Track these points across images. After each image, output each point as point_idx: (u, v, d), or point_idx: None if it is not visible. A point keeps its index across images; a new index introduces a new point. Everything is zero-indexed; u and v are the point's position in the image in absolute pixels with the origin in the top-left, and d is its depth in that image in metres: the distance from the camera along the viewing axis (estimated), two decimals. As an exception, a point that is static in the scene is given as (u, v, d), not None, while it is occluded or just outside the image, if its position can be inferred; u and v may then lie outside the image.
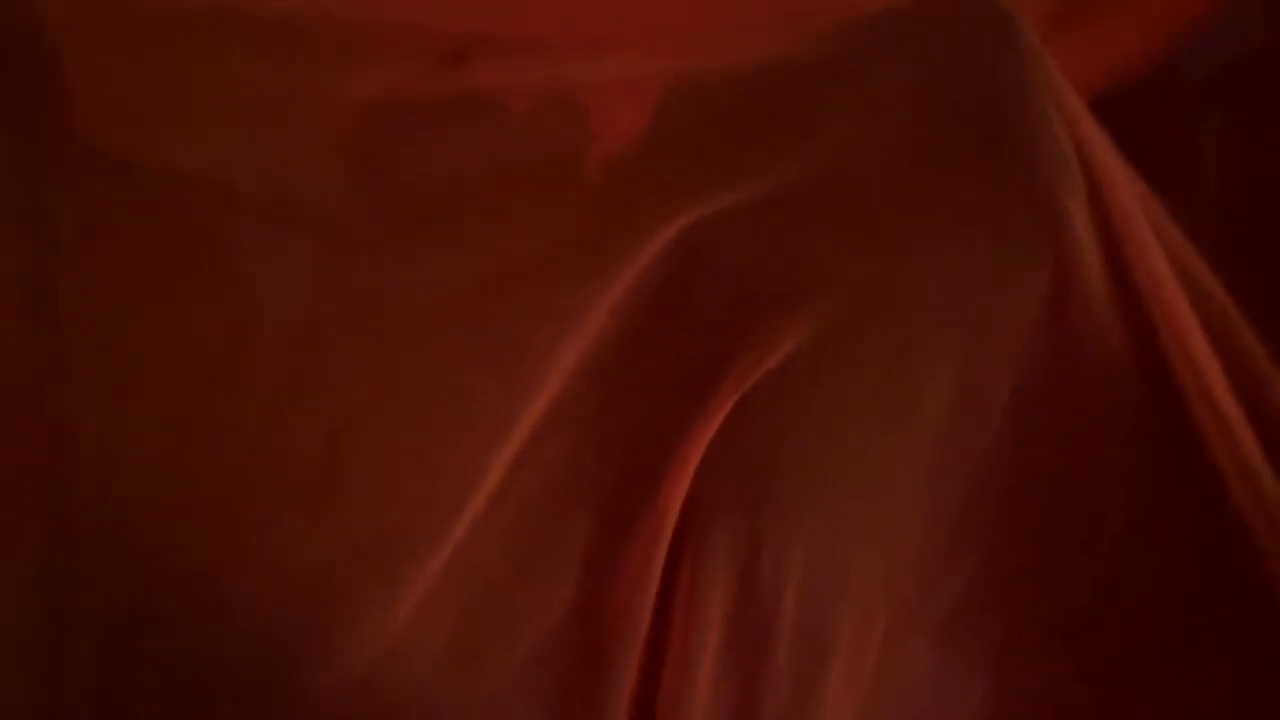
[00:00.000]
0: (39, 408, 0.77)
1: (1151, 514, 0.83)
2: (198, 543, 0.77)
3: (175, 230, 0.79)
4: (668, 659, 0.80)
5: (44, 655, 0.77)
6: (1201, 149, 0.97)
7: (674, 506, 0.79)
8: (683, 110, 0.81)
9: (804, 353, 0.79)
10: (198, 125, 0.80)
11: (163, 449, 0.77)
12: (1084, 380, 0.83)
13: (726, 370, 0.79)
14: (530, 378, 0.79)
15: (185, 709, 0.77)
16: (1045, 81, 0.81)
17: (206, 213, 0.79)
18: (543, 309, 0.79)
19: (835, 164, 0.81)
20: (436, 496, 0.78)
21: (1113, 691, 0.84)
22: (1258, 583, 0.82)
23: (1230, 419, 0.81)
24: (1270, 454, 0.82)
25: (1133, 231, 0.82)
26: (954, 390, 0.81)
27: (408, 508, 0.78)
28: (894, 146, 0.81)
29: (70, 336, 0.77)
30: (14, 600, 0.77)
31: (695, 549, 0.80)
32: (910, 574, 0.82)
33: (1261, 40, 0.98)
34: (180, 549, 0.77)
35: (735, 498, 0.80)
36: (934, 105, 0.82)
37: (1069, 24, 0.91)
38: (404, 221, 0.80)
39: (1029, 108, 0.81)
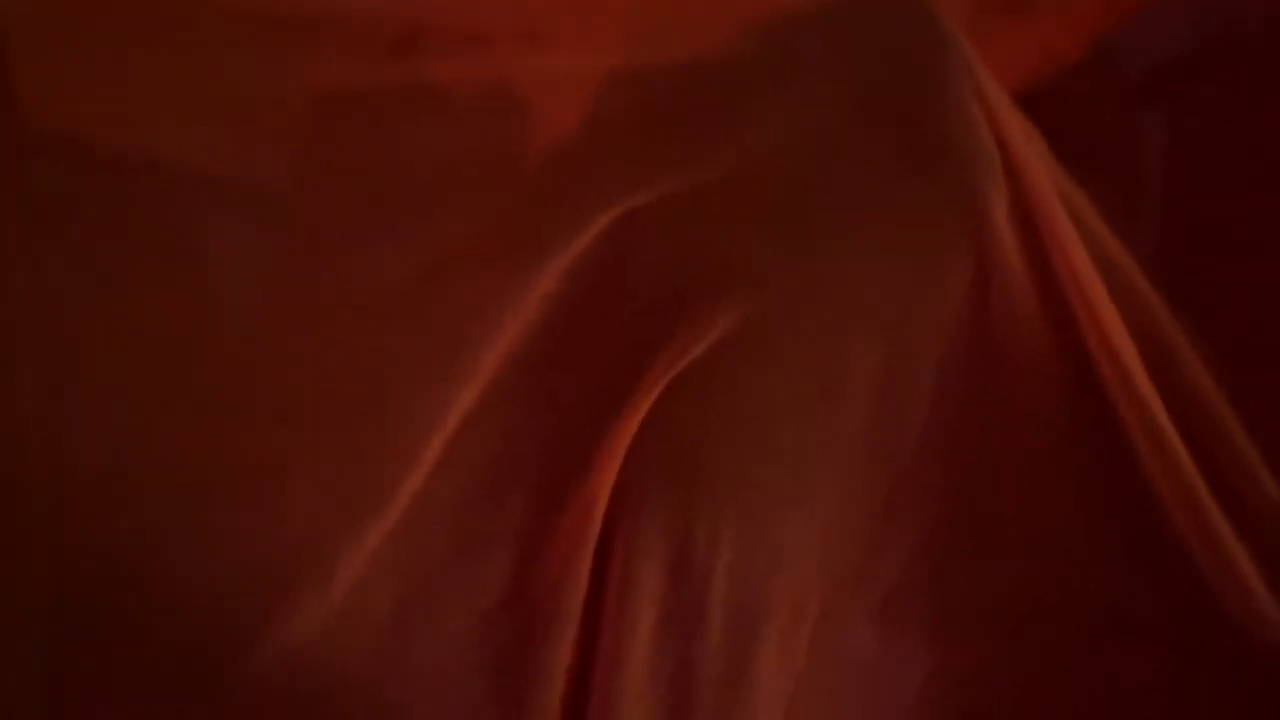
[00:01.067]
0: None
1: (1076, 496, 0.85)
2: (143, 527, 0.79)
3: (124, 215, 0.81)
4: (602, 636, 0.82)
5: None
6: (1142, 145, 0.98)
7: (605, 488, 0.81)
8: (619, 104, 0.83)
9: (732, 339, 0.82)
10: (149, 113, 0.82)
11: (110, 435, 0.78)
12: (1006, 368, 0.85)
13: (655, 356, 0.82)
14: (465, 363, 0.81)
15: (124, 692, 0.79)
16: (968, 77, 0.83)
17: (156, 198, 0.81)
18: (477, 297, 0.81)
19: (762, 157, 0.83)
20: (374, 477, 0.80)
21: (1046, 671, 0.86)
22: (1177, 558, 0.84)
23: (1146, 400, 0.84)
24: (1184, 431, 0.84)
25: (1053, 224, 0.84)
26: (880, 377, 0.83)
27: (347, 488, 0.80)
28: (819, 141, 0.84)
29: (14, 321, 0.79)
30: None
31: (627, 529, 0.82)
32: (845, 554, 0.84)
33: (1196, 43, 1.00)
34: (126, 532, 0.79)
35: (666, 479, 0.82)
36: (859, 101, 0.84)
37: (995, 20, 0.94)
38: (349, 211, 0.83)
39: (951, 103, 0.84)
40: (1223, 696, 0.85)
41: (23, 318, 0.79)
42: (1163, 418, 0.83)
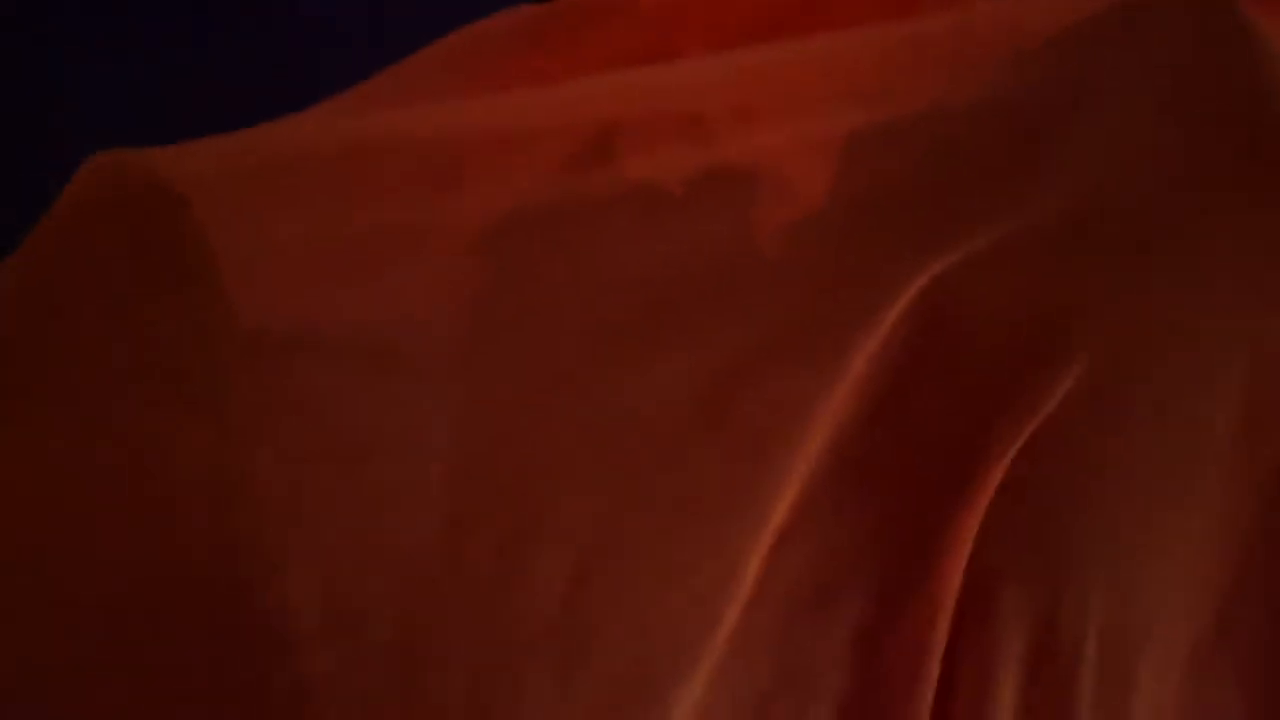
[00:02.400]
0: (253, 602, 0.72)
1: None
2: None
3: (338, 403, 0.73)
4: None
5: None
6: None
7: (951, 583, 0.73)
8: (875, 165, 0.75)
9: (1081, 393, 0.74)
10: (333, 288, 0.74)
11: (395, 626, 0.71)
12: None
13: (995, 426, 0.74)
14: (775, 473, 0.72)
15: None
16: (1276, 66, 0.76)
17: (362, 380, 0.73)
18: (777, 401, 0.73)
19: (1087, 194, 0.75)
20: (693, 613, 0.72)
21: None
22: None
23: None
24: None
25: None
26: (1242, 411, 0.75)
27: (666, 631, 0.72)
28: (1144, 167, 0.75)
29: (274, 522, 0.72)
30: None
31: (979, 624, 0.74)
32: (1207, 609, 0.76)
33: None
34: None
35: (1023, 560, 0.74)
36: (1176, 116, 0.76)
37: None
38: (584, 343, 0.75)
39: (1270, 101, 0.76)
40: None
41: (279, 518, 0.72)
42: None
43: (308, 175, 0.76)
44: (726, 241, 0.75)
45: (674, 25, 0.85)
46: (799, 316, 0.74)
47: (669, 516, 0.73)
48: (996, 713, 0.74)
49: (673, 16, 0.85)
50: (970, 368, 0.74)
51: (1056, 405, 0.74)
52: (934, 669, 0.74)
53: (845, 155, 0.76)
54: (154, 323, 0.73)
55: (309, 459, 0.72)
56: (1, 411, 0.74)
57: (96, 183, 0.75)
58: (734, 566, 0.72)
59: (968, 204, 0.75)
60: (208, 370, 0.72)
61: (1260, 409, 0.76)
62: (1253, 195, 0.76)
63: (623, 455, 0.73)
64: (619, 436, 0.73)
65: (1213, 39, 0.77)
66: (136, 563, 0.71)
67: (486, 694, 0.71)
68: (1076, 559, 0.74)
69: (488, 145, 0.76)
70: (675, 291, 0.74)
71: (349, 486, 0.72)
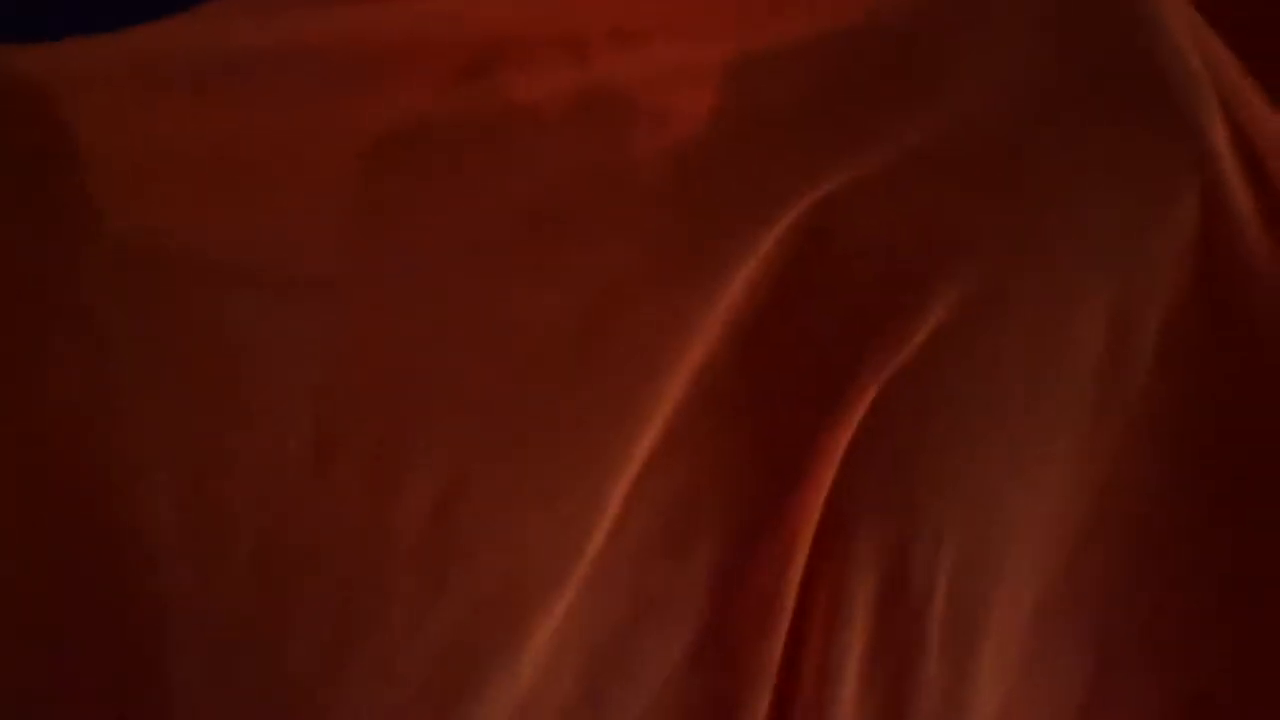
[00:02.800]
0: (113, 515, 0.70)
1: None
2: (301, 647, 0.71)
3: (204, 317, 0.72)
4: (803, 685, 0.75)
5: None
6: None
7: (810, 519, 0.73)
8: (757, 90, 0.75)
9: (954, 322, 0.74)
10: (206, 197, 0.72)
11: (255, 547, 0.70)
12: (1236, 330, 0.77)
13: (865, 356, 0.74)
14: (645, 398, 0.72)
15: None
16: (1170, 5, 0.76)
17: (238, 301, 0.72)
18: (651, 324, 0.72)
19: (962, 122, 0.75)
20: (560, 539, 0.72)
21: None
22: None
23: None
24: None
25: (1273, 146, 0.77)
26: (1106, 341, 0.76)
27: (533, 553, 0.72)
28: (1021, 96, 0.76)
29: (134, 431, 0.70)
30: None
31: (835, 562, 0.74)
32: (1056, 553, 0.77)
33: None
34: (282, 654, 0.71)
35: (880, 497, 0.74)
36: (1057, 47, 0.76)
37: None
38: (462, 261, 0.74)
39: (1159, 36, 0.76)
40: None
41: (148, 438, 0.70)
42: None
43: (185, 80, 0.74)
44: (605, 165, 0.74)
45: None
46: (677, 240, 0.74)
47: (541, 438, 0.72)
48: (846, 654, 0.74)
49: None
50: (845, 295, 0.74)
51: (926, 337, 0.74)
52: (789, 607, 0.74)
53: (727, 81, 0.75)
54: (13, 225, 0.71)
55: (171, 371, 0.71)
56: None
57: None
58: (601, 492, 0.72)
59: (850, 129, 0.75)
60: (70, 277, 0.70)
61: (1122, 350, 0.76)
62: (1124, 125, 0.77)
63: (496, 375, 0.72)
64: (494, 356, 0.72)
65: None
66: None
67: (352, 609, 0.71)
68: (932, 497, 0.74)
69: (371, 57, 0.75)
70: (555, 212, 0.73)
71: (212, 400, 0.71)
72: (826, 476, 0.74)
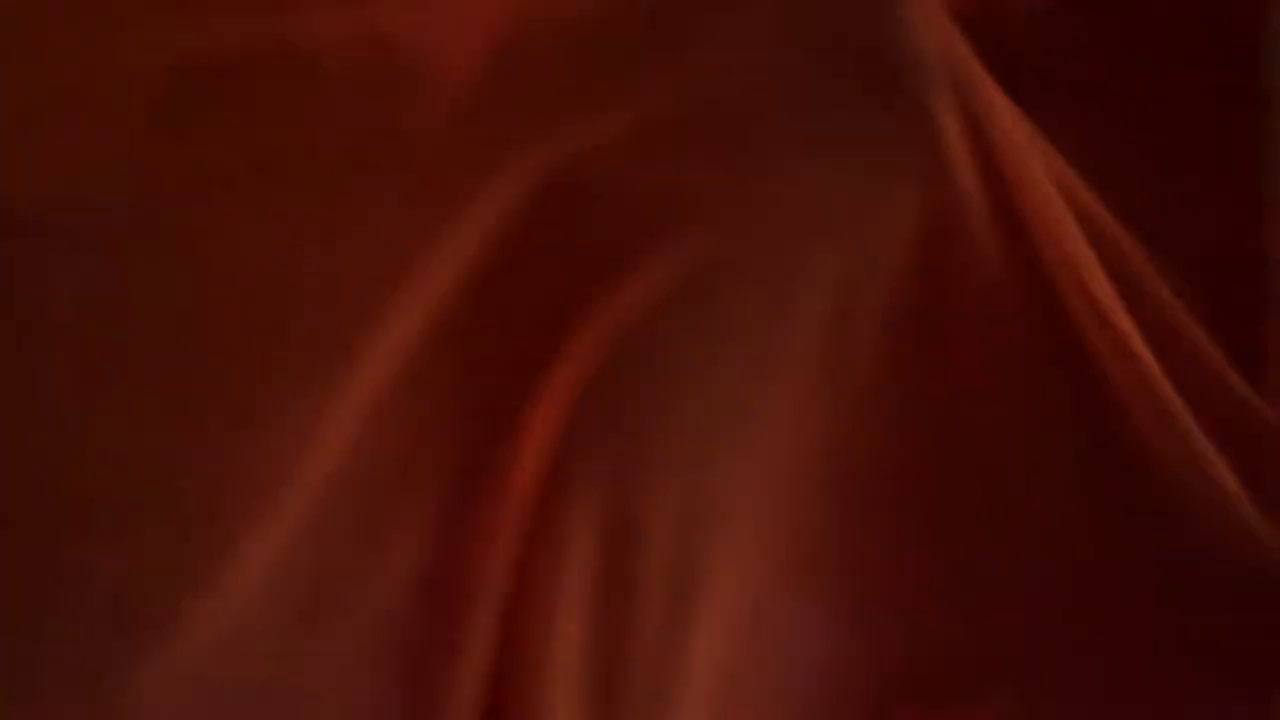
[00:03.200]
0: None
1: (1037, 434, 0.80)
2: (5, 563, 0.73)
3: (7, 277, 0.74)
4: (525, 625, 0.76)
5: None
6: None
7: (533, 464, 0.75)
8: (524, 51, 0.77)
9: (679, 284, 0.76)
10: None
11: None
12: (961, 300, 0.79)
13: (592, 312, 0.76)
14: (375, 335, 0.74)
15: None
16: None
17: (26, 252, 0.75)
18: (390, 264, 0.75)
19: (701, 90, 0.77)
20: (268, 463, 0.74)
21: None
22: (1158, 485, 0.78)
23: (1119, 327, 0.78)
24: (1151, 341, 0.79)
25: (1009, 139, 0.79)
26: (829, 312, 0.78)
27: (239, 478, 0.74)
28: (761, 70, 0.78)
29: None
30: None
31: (559, 506, 0.76)
32: (783, 509, 0.78)
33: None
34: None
35: (604, 446, 0.76)
36: (800, 27, 0.79)
37: None
38: (215, 198, 0.77)
39: (895, 16, 0.78)
40: (1208, 621, 0.79)
41: None
42: (1138, 344, 0.78)
43: None
44: (371, 111, 0.77)
45: None
46: (425, 187, 0.76)
47: (253, 360, 0.75)
48: (568, 595, 0.76)
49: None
50: (579, 250, 0.76)
51: (654, 294, 0.76)
52: (512, 546, 0.76)
53: (495, 43, 0.78)
54: None
55: None
56: None
57: None
58: (314, 420, 0.74)
59: (597, 92, 0.77)
60: None
61: (847, 317, 0.78)
62: (855, 104, 0.79)
63: (223, 298, 0.75)
64: (229, 291, 0.75)
65: None
66: None
67: (60, 531, 0.73)
68: (653, 448, 0.76)
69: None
70: (328, 157, 0.76)
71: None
72: (552, 422, 0.76)
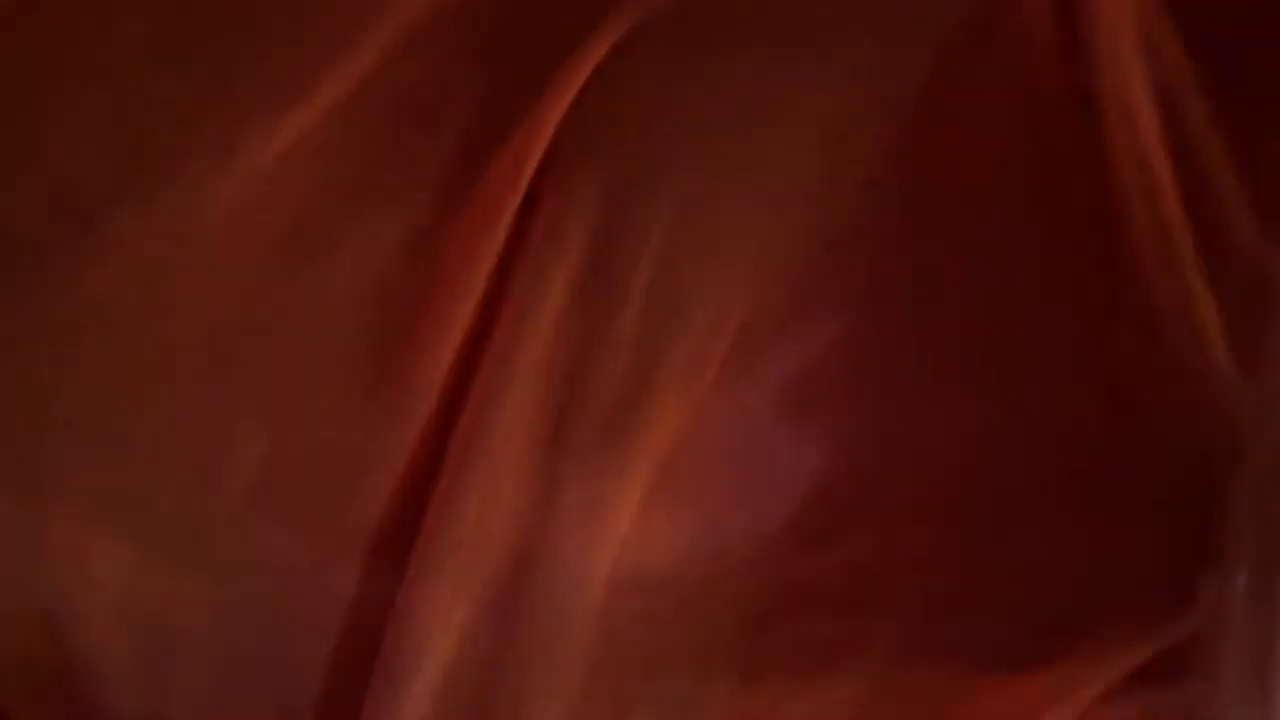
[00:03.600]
0: None
1: (1041, 242, 0.78)
2: None
3: None
4: (506, 306, 0.76)
5: None
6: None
7: (538, 144, 0.75)
8: None
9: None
10: None
11: None
12: (995, 88, 0.77)
13: (611, 7, 0.75)
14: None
15: None
16: None
17: None
18: None
19: None
20: (308, 56, 0.74)
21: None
22: (1143, 312, 0.77)
23: (1150, 150, 0.77)
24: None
25: None
26: (849, 86, 0.76)
27: (279, 65, 0.74)
28: None
29: None
30: None
31: (557, 195, 0.75)
32: (773, 285, 0.77)
33: None
34: None
35: (607, 140, 0.75)
36: None
37: None
38: None
39: None
40: (1159, 452, 0.78)
41: None
42: (1170, 195, 0.76)
43: None
44: None
45: None
46: None
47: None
48: (551, 287, 0.75)
49: None
50: None
51: (670, 4, 0.75)
52: (506, 225, 0.75)
53: None
54: None
55: None
56: None
57: None
58: (351, 30, 0.75)
59: None
60: None
61: (866, 101, 0.77)
62: None
63: None
64: None
65: None
66: None
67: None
68: (651, 158, 0.75)
69: None
70: None
71: None
72: (555, 108, 0.75)
